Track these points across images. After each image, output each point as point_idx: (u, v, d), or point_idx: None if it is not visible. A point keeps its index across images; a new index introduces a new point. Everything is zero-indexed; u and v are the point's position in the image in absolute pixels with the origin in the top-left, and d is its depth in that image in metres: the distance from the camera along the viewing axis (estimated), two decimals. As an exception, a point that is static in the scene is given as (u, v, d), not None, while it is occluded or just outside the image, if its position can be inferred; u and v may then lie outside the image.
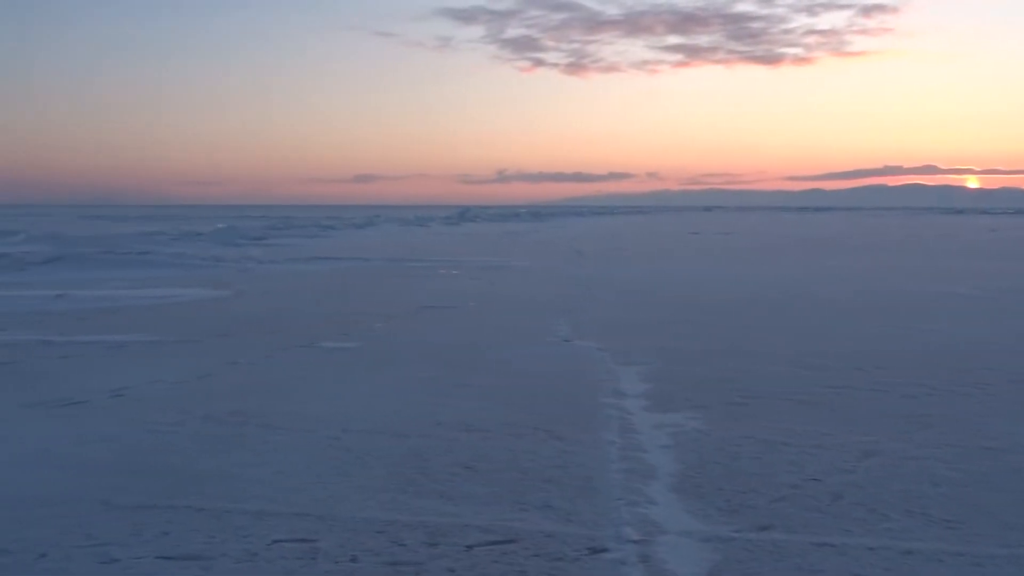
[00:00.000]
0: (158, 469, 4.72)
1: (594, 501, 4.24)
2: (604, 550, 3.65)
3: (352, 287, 15.47)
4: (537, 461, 4.90)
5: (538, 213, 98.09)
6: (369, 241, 34.77)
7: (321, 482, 4.51)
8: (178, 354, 8.33)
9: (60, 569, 3.42)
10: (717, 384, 6.96)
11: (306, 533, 3.81)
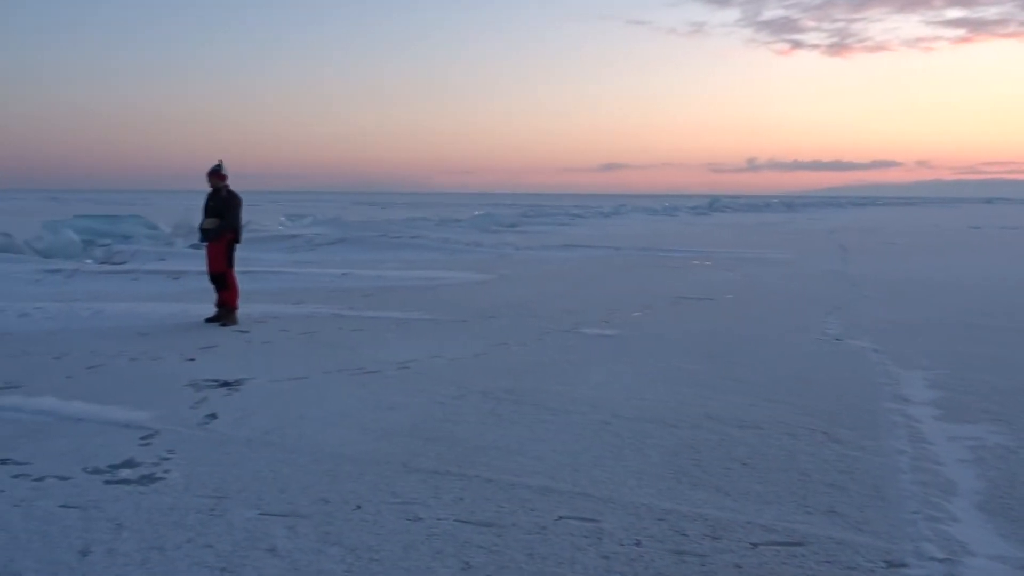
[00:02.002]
0: (447, 438, 5.09)
1: (886, 511, 4.00)
2: (903, 565, 3.43)
3: (606, 275, 15.66)
4: (817, 463, 4.70)
5: (792, 203, 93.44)
6: (618, 230, 34.95)
7: (598, 465, 4.62)
8: (453, 332, 8.90)
9: (375, 522, 3.80)
10: (1020, 395, 6.26)
11: (589, 513, 3.94)
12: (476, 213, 43.80)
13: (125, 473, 4.41)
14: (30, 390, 6.15)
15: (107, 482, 4.27)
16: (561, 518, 3.87)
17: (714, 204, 73.04)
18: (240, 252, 10.23)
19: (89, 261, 17.43)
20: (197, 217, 10.51)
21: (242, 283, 10.07)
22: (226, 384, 6.44)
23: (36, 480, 4.28)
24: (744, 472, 4.55)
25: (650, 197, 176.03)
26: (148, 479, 4.32)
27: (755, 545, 3.61)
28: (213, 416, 5.53)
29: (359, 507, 3.97)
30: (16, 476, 4.34)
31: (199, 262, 12.01)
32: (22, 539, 3.57)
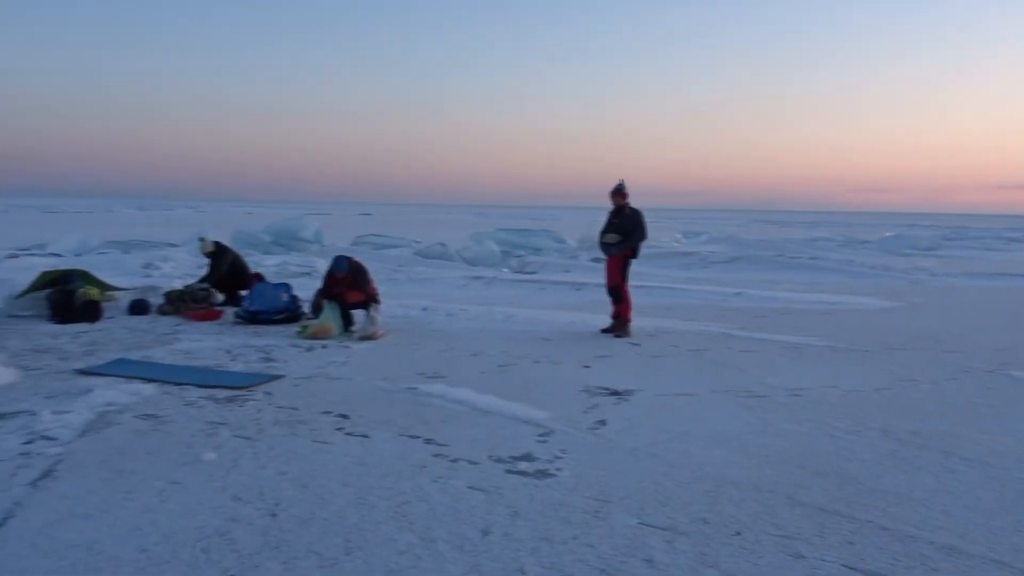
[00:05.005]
0: (838, 475, 4.75)
1: None
2: None
3: (1046, 310, 13.42)
4: None
5: None
6: (1066, 257, 29.78)
7: (1022, 531, 3.98)
8: (851, 362, 8.31)
9: (753, 551, 3.69)
10: None
11: (1007, 584, 3.41)
12: (887, 234, 40.44)
13: (523, 465, 4.82)
14: (452, 381, 7.02)
15: (508, 471, 4.70)
16: (970, 584, 3.41)
17: None
18: (636, 267, 10.62)
19: (505, 270, 19.45)
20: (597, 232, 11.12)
21: (636, 297, 10.44)
22: (616, 393, 6.72)
23: (451, 461, 4.87)
24: None
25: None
26: (542, 474, 4.67)
27: None
28: (603, 422, 5.81)
29: (739, 533, 3.88)
30: (436, 455, 4.98)
31: (599, 275, 12.73)
32: (437, 511, 4.08)
